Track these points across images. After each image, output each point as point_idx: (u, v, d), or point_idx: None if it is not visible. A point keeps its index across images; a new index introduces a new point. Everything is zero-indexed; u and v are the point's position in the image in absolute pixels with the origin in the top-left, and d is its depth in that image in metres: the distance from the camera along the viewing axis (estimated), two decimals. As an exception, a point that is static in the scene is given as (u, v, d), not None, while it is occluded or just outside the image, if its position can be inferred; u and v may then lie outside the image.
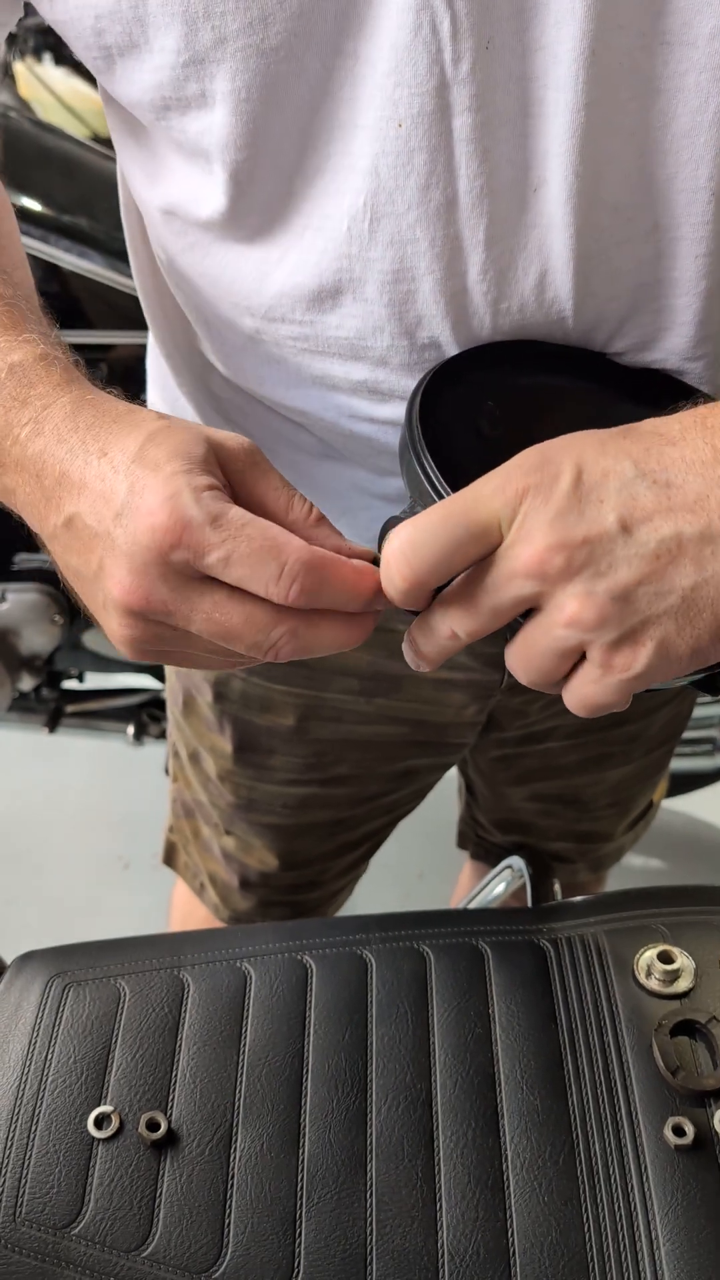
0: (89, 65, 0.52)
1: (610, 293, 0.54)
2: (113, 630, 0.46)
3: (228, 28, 0.46)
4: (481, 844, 1.15)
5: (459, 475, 0.52)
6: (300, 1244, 0.53)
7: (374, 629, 0.73)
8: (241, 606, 0.43)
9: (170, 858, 1.06)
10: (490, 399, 0.58)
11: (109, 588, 0.44)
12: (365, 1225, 0.53)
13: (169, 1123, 0.56)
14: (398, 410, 0.59)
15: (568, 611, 0.42)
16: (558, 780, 0.97)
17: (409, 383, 0.57)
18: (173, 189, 0.56)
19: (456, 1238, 0.53)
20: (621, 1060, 0.59)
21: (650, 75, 0.48)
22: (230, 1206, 0.54)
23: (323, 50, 0.48)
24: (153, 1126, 0.55)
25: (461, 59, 0.47)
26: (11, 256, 0.57)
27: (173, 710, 0.93)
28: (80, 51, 0.51)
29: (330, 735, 0.84)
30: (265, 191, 0.53)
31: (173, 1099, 0.57)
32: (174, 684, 0.90)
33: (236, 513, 0.42)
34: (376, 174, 0.50)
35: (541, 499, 0.42)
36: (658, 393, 0.57)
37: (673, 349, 0.57)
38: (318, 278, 0.54)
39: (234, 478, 0.45)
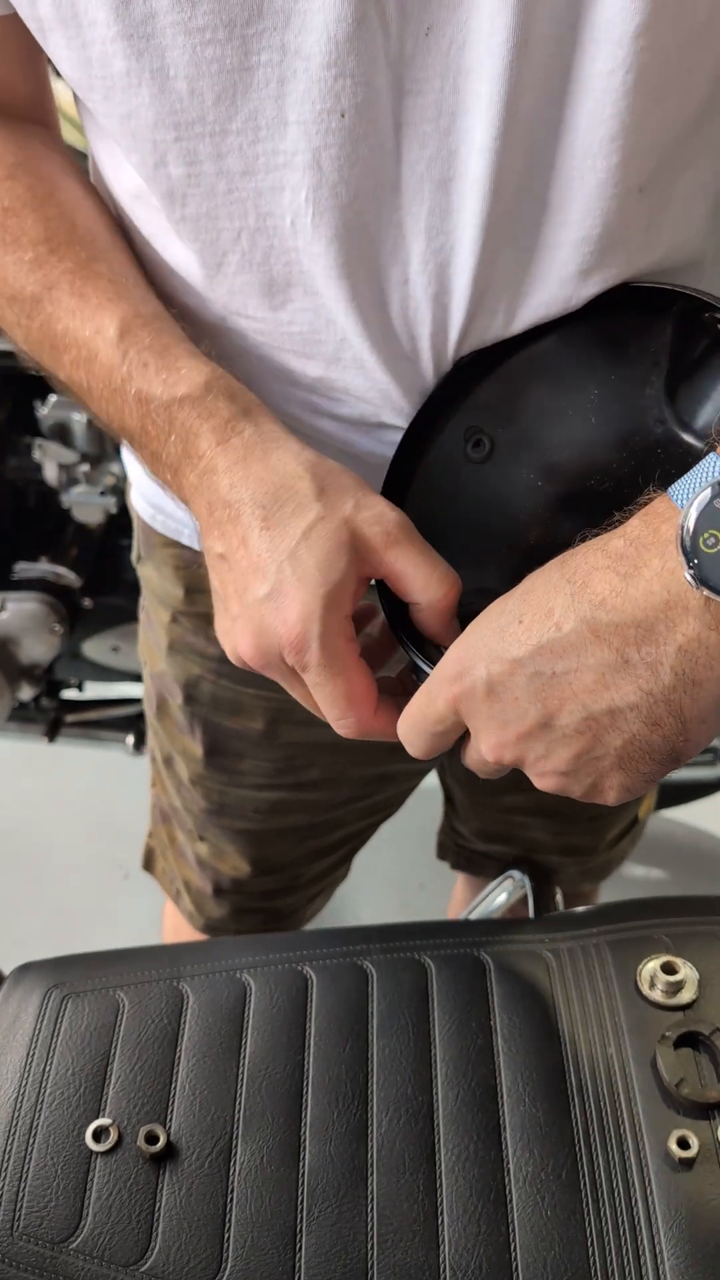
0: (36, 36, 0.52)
1: (542, 290, 0.54)
2: (231, 646, 0.55)
3: (157, 2, 0.46)
4: (462, 853, 1.15)
5: (457, 515, 0.59)
6: (300, 1258, 0.52)
7: None
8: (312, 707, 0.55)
9: (149, 863, 1.06)
10: (475, 420, 0.59)
11: (235, 635, 0.53)
12: (366, 1239, 0.53)
13: (168, 1135, 0.55)
14: (356, 410, 0.60)
15: (538, 783, 0.51)
16: (533, 793, 0.97)
17: (360, 382, 0.58)
18: (125, 175, 0.56)
19: (458, 1252, 0.53)
20: (625, 1072, 0.58)
21: (580, 73, 0.48)
22: (230, 1220, 0.53)
23: (243, 42, 0.47)
24: (151, 1139, 0.55)
25: (405, 42, 0.47)
26: (120, 253, 0.59)
27: (149, 714, 0.92)
28: (27, 22, 0.51)
29: (301, 739, 0.83)
30: (188, 191, 0.53)
31: (172, 1111, 0.57)
32: (149, 687, 0.90)
33: (343, 658, 0.51)
34: (318, 168, 0.50)
35: (470, 707, 0.49)
36: (626, 323, 0.57)
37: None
38: (266, 274, 0.54)
39: (373, 558, 0.52)
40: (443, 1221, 0.54)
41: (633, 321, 0.56)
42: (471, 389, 0.59)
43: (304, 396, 0.61)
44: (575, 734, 0.47)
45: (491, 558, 0.60)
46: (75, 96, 0.56)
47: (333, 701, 0.52)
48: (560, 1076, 0.58)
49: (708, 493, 0.42)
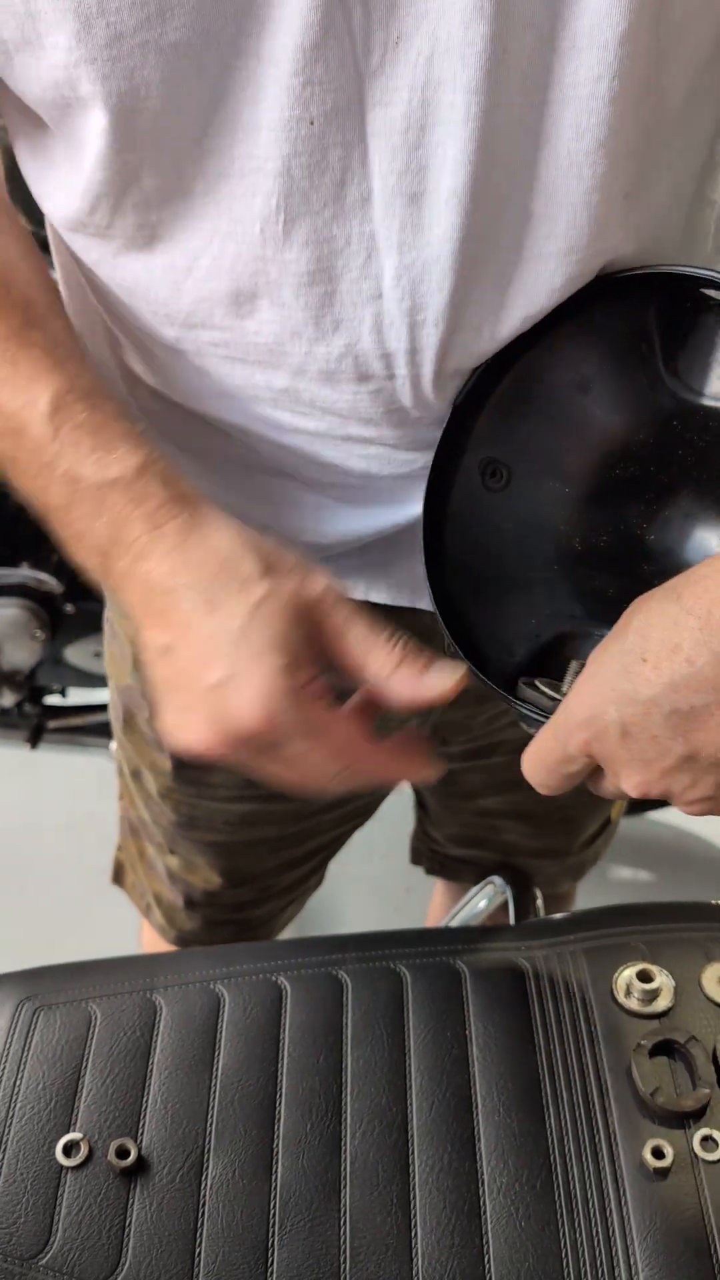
0: None
1: (523, 303, 0.54)
2: (186, 742, 0.52)
3: (124, 23, 0.45)
4: (436, 858, 1.14)
5: (499, 549, 0.59)
6: (272, 1272, 0.52)
7: None
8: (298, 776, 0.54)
9: (119, 877, 1.05)
10: (484, 453, 0.59)
11: (190, 727, 0.51)
12: (339, 1253, 0.52)
13: (139, 1150, 0.55)
14: (322, 424, 0.59)
15: (685, 810, 0.51)
16: (505, 796, 0.97)
17: (328, 393, 0.57)
18: (75, 199, 0.55)
19: (432, 1265, 0.52)
20: (600, 1081, 0.58)
21: (559, 81, 0.48)
22: (201, 1235, 0.53)
23: (223, 49, 0.47)
24: (122, 1154, 0.54)
25: (372, 52, 0.47)
26: (51, 306, 0.57)
27: (116, 727, 0.92)
28: None
29: None
30: (166, 195, 0.52)
31: (143, 1125, 0.56)
32: (115, 700, 0.90)
33: (318, 720, 0.50)
34: (289, 175, 0.49)
35: (605, 749, 0.49)
36: (608, 311, 0.56)
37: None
38: (233, 282, 0.53)
39: (324, 631, 0.51)
40: (416, 1234, 0.53)
41: (613, 308, 0.55)
42: (472, 425, 0.58)
43: (267, 412, 0.60)
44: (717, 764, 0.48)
45: (547, 578, 0.60)
46: (7, 128, 0.55)
47: (321, 763, 0.52)
48: (535, 1086, 0.58)
49: None
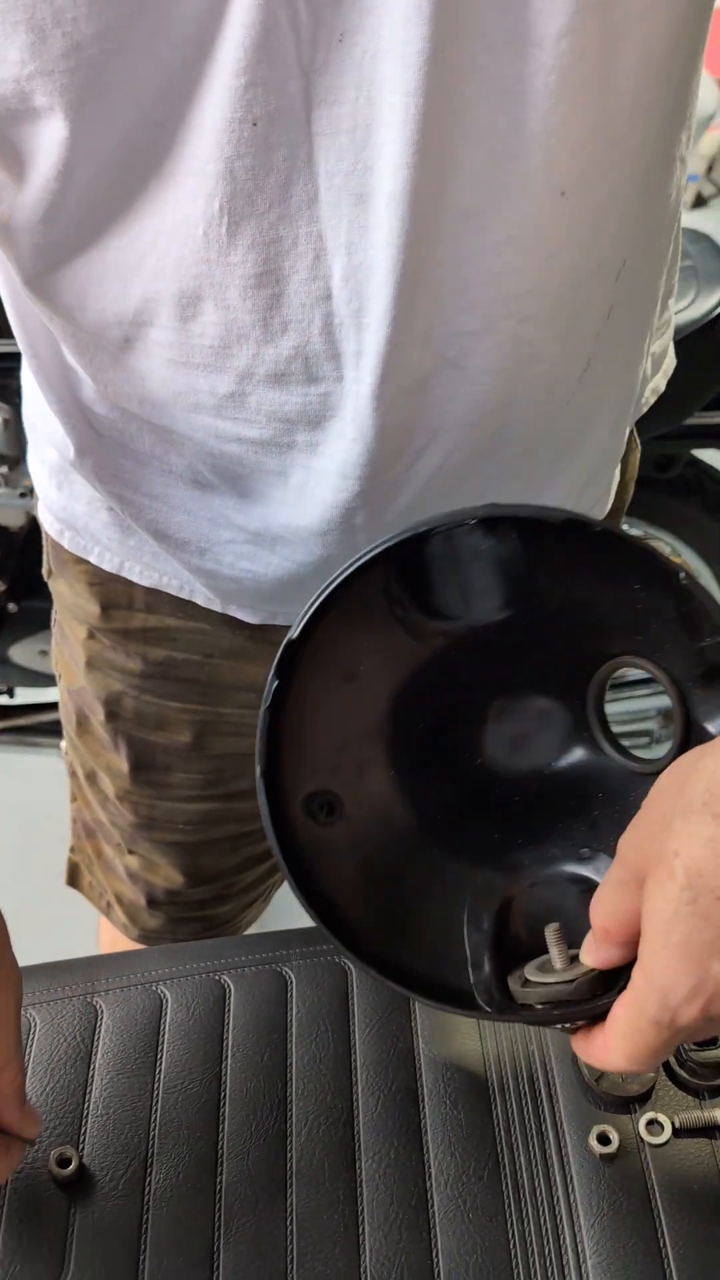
0: None
1: (463, 305, 0.53)
2: None
3: (82, 33, 0.44)
4: None
5: (357, 883, 0.53)
6: (219, 1277, 0.51)
7: (269, 643, 0.71)
8: None
9: (74, 879, 1.03)
10: (304, 790, 0.53)
11: None
12: (285, 1253, 0.52)
13: (80, 1158, 0.54)
14: (267, 431, 0.57)
15: None
16: None
17: (276, 395, 0.56)
18: (24, 211, 0.53)
19: (379, 1261, 0.52)
20: (546, 1070, 0.58)
21: (498, 78, 0.47)
22: (145, 1242, 0.52)
23: (183, 50, 0.46)
24: (63, 1163, 0.53)
25: (317, 50, 0.46)
26: None
27: (67, 730, 0.90)
28: None
29: (230, 750, 0.82)
30: (116, 195, 0.51)
31: (84, 1132, 0.55)
32: (66, 703, 0.88)
33: None
34: (232, 176, 0.48)
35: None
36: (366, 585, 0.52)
37: (530, 356, 0.56)
38: (177, 284, 0.52)
39: None
40: (363, 1230, 0.53)
41: (355, 592, 0.52)
42: (278, 772, 0.52)
43: (209, 422, 0.58)
44: None
45: (433, 868, 0.55)
46: None
47: None
48: (482, 1077, 0.58)
49: None
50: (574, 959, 0.48)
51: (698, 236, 1.43)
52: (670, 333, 0.79)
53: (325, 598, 0.50)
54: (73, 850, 1.02)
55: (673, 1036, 0.44)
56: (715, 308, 1.43)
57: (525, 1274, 0.51)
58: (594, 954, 0.47)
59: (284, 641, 0.50)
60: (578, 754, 0.55)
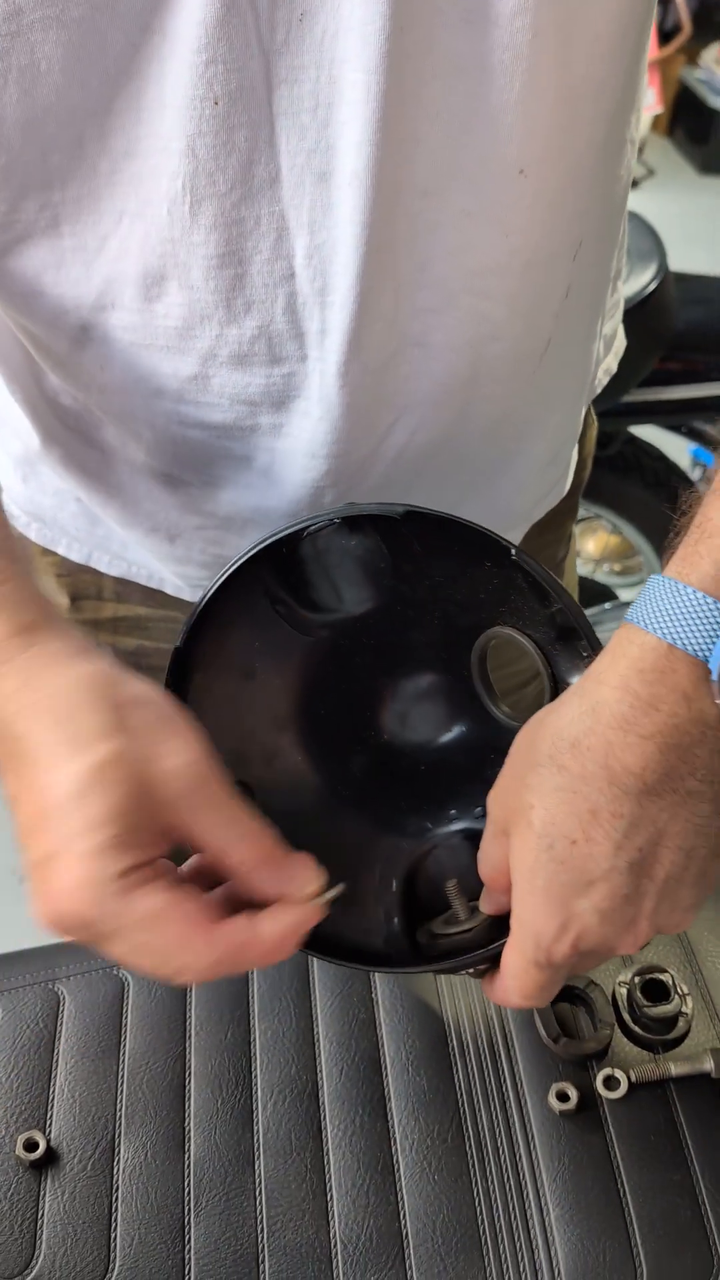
0: None
1: (424, 282, 0.54)
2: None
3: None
4: None
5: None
6: (190, 1249, 0.52)
7: None
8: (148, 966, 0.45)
9: None
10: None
11: (32, 896, 0.44)
12: (255, 1224, 0.53)
13: (48, 1141, 0.54)
14: (230, 415, 0.58)
15: (679, 928, 0.48)
16: None
17: (240, 378, 0.56)
18: None
19: (348, 1226, 0.53)
20: (505, 1032, 0.59)
21: (456, 56, 0.48)
22: (116, 1220, 0.52)
23: (127, 25, 0.46)
24: (30, 1147, 0.54)
25: (277, 29, 0.46)
26: None
27: None
28: None
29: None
30: (71, 173, 0.51)
31: (51, 1116, 0.56)
32: None
33: (143, 908, 0.42)
34: (194, 155, 0.49)
35: (589, 940, 0.46)
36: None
37: (492, 334, 0.57)
38: (142, 263, 0.52)
39: (169, 813, 0.44)
40: (331, 1197, 0.54)
41: (237, 594, 0.55)
42: None
43: (171, 407, 0.58)
44: (686, 869, 0.45)
45: (339, 828, 0.58)
46: None
47: (162, 959, 0.43)
48: (443, 1042, 0.59)
49: None
50: (474, 910, 0.51)
51: (629, 215, 1.45)
52: (620, 313, 0.81)
53: (204, 607, 0.53)
54: None
55: (554, 973, 0.48)
56: (648, 285, 1.45)
57: (491, 1230, 0.52)
58: (486, 903, 0.50)
59: (172, 650, 0.53)
60: (469, 721, 0.59)
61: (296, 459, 0.59)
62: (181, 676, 0.53)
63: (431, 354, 0.57)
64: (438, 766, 0.59)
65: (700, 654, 0.41)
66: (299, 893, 0.46)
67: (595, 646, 0.50)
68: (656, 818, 0.44)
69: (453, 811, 0.58)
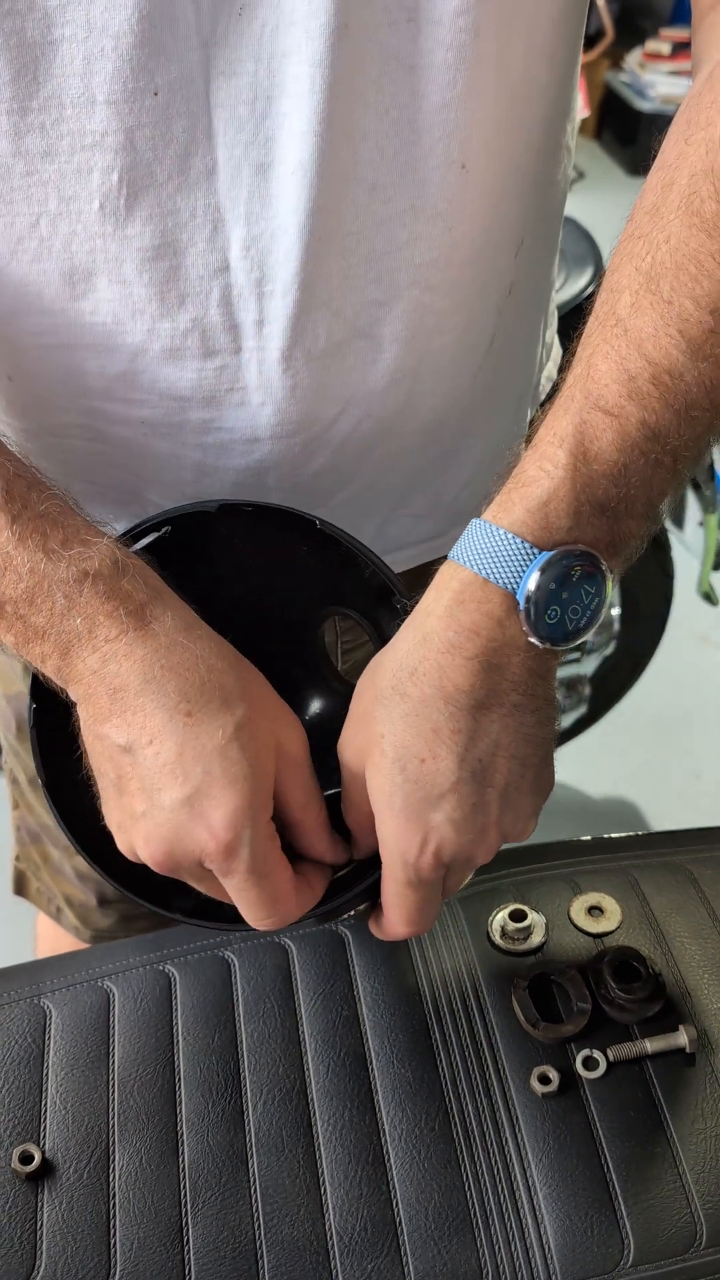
0: None
1: (371, 274, 0.55)
2: (128, 845, 0.52)
3: None
4: None
5: None
6: (189, 1250, 0.53)
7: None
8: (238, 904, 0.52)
9: (21, 887, 1.03)
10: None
11: (138, 835, 0.50)
12: (252, 1221, 0.54)
13: (43, 1153, 0.55)
14: (158, 410, 0.58)
15: (526, 836, 0.55)
16: None
17: (171, 372, 0.56)
18: None
19: (343, 1218, 0.54)
20: (485, 1021, 0.61)
21: (400, 53, 0.49)
22: (114, 1225, 0.53)
23: (41, 21, 0.46)
24: (26, 1159, 0.54)
25: (218, 20, 0.47)
26: None
27: (5, 736, 0.90)
28: None
29: None
30: None
31: (44, 1128, 0.56)
32: (4, 708, 0.88)
33: (271, 862, 0.50)
34: (133, 148, 0.49)
35: (446, 851, 0.51)
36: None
37: (447, 324, 0.59)
38: (66, 261, 0.52)
39: (283, 770, 0.51)
40: (325, 1191, 0.55)
41: None
42: (64, 790, 0.56)
43: (96, 405, 0.59)
44: (523, 777, 0.51)
45: None
46: None
47: (259, 904, 0.50)
48: (425, 1034, 0.60)
49: (535, 579, 0.46)
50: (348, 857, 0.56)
51: (564, 220, 1.48)
52: (555, 321, 0.83)
53: None
54: (18, 858, 1.01)
55: (429, 892, 0.52)
56: (585, 289, 1.48)
57: (482, 1212, 0.54)
58: (356, 850, 0.55)
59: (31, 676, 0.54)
60: (324, 699, 0.63)
61: (236, 445, 0.60)
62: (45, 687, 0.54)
63: (377, 345, 0.58)
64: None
65: (509, 586, 0.46)
66: (332, 857, 0.54)
67: (406, 597, 0.54)
68: (489, 729, 0.48)
69: (322, 784, 0.59)
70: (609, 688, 1.78)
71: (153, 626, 0.48)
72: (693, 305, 0.44)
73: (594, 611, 0.48)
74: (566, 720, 1.76)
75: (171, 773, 0.47)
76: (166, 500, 0.64)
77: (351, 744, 0.52)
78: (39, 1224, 0.53)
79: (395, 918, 0.53)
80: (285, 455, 0.60)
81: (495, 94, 0.53)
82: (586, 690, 1.73)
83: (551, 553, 0.45)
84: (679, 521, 1.65)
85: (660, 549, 1.63)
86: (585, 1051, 0.59)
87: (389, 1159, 0.56)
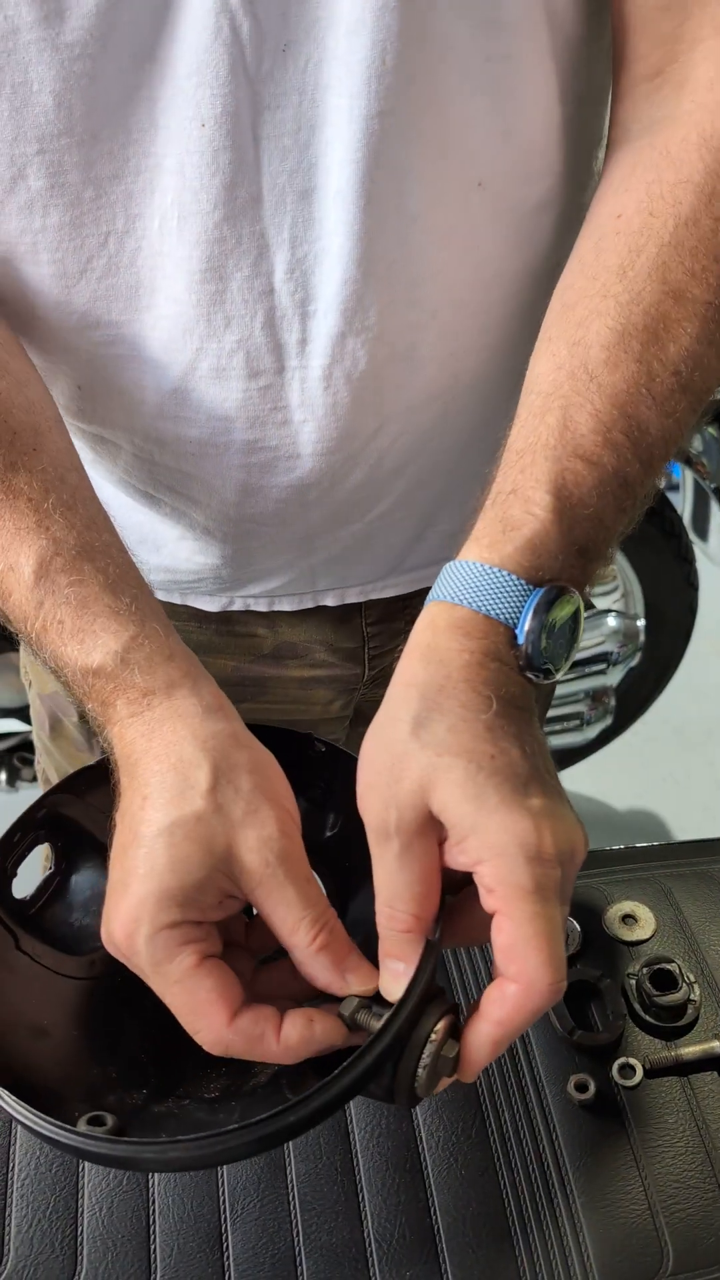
0: None
1: (411, 299, 0.56)
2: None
3: (21, 18, 0.46)
4: None
5: None
6: (229, 1256, 0.53)
7: (235, 635, 0.73)
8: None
9: None
10: (84, 1111, 0.47)
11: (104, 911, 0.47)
12: (291, 1227, 0.54)
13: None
14: (205, 430, 0.60)
15: None
16: None
17: (217, 392, 0.58)
18: None
19: (381, 1224, 0.54)
20: (521, 1028, 0.61)
21: (435, 82, 0.51)
22: (154, 1232, 0.54)
23: (120, 51, 0.48)
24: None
25: (262, 60, 0.49)
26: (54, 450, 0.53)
27: (40, 735, 0.91)
28: None
29: None
30: (51, 200, 0.53)
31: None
32: (39, 708, 0.89)
33: (176, 966, 0.44)
34: (183, 173, 0.51)
35: (573, 871, 0.46)
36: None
37: (477, 345, 0.60)
38: (134, 275, 0.54)
39: (243, 882, 0.46)
40: (363, 1198, 0.55)
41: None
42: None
43: (149, 424, 0.60)
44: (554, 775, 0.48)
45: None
46: None
47: (178, 1011, 0.45)
48: (461, 1042, 0.60)
49: (532, 614, 0.45)
50: (369, 1015, 0.45)
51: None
52: None
53: None
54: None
55: (560, 899, 0.44)
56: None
57: (520, 1221, 0.54)
58: (406, 959, 0.45)
59: None
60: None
61: (280, 463, 0.61)
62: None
63: (415, 364, 0.59)
64: None
65: (509, 621, 0.46)
66: (344, 989, 0.45)
67: (326, 742, 0.54)
68: (524, 732, 0.46)
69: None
70: (634, 699, 1.77)
71: (145, 715, 0.48)
72: (659, 366, 0.49)
73: (571, 647, 0.48)
74: (592, 732, 1.75)
75: (116, 858, 0.46)
76: (212, 522, 0.66)
77: (384, 804, 0.45)
78: (79, 1230, 0.53)
79: (535, 958, 0.42)
80: (325, 472, 0.61)
81: (512, 115, 0.54)
82: (612, 701, 1.73)
83: (544, 589, 0.46)
84: (703, 534, 1.65)
85: (685, 561, 1.63)
86: (622, 1059, 0.59)
87: (426, 1166, 0.56)
